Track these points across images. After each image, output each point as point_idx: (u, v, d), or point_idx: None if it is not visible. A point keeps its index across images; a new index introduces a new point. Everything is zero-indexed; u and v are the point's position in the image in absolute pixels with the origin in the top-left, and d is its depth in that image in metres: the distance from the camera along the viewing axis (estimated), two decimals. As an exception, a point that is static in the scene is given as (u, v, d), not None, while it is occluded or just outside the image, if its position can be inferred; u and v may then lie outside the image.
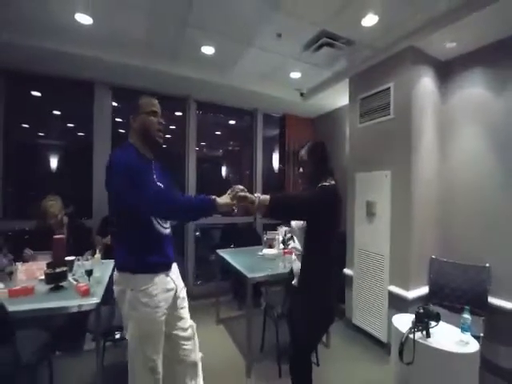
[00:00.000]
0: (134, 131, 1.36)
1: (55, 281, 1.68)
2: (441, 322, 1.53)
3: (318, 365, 2.18)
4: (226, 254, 2.69)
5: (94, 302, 1.51)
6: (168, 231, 1.41)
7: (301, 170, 1.60)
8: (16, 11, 2.01)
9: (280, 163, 4.43)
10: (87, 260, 1.80)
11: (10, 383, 1.41)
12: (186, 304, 1.51)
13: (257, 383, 2.04)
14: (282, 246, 2.73)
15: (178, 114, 3.66)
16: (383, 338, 2.42)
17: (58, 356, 2.18)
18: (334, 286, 1.53)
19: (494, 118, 2.16)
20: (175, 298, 1.40)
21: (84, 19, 2.11)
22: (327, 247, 1.49)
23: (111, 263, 1.42)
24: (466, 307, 1.50)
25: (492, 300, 2.06)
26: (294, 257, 1.64)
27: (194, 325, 1.53)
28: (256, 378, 2.08)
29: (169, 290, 1.34)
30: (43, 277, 1.72)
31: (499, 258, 2.08)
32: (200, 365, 1.53)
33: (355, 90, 2.88)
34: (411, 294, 2.25)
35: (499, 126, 2.13)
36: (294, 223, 1.61)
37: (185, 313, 1.49)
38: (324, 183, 1.48)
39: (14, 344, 1.41)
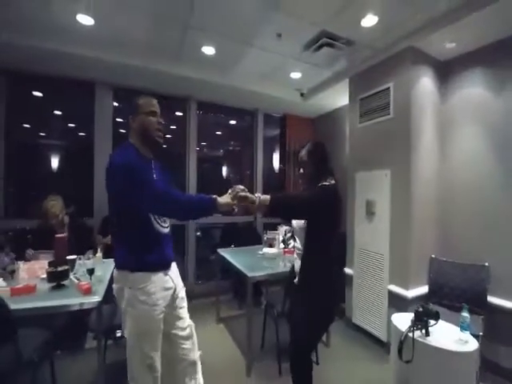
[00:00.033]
0: (134, 131, 1.37)
1: (57, 279, 1.69)
2: (440, 321, 1.54)
3: (317, 364, 2.19)
4: (226, 254, 2.70)
5: (96, 300, 1.52)
6: (167, 230, 1.42)
7: (301, 170, 1.61)
8: (16, 11, 2.02)
9: (280, 163, 4.44)
10: (89, 259, 1.81)
11: (13, 381, 1.43)
12: (184, 304, 1.51)
13: (257, 382, 2.05)
14: (282, 245, 2.74)
15: (179, 114, 3.67)
16: (383, 337, 2.43)
17: (60, 355, 2.19)
18: (334, 286, 1.54)
19: (494, 118, 2.16)
20: (174, 297, 1.41)
21: (85, 20, 2.12)
22: (327, 247, 1.50)
23: (112, 262, 1.43)
24: (465, 306, 1.51)
25: (491, 299, 2.07)
26: (295, 256, 1.65)
27: (193, 324, 1.54)
28: (256, 376, 2.09)
29: (167, 289, 1.35)
30: (45, 275, 1.73)
31: (498, 257, 2.09)
32: (199, 363, 1.54)
33: (355, 90, 2.89)
34: (411, 293, 2.26)
35: (499, 125, 2.14)
36: (295, 223, 1.62)
37: (184, 312, 1.49)
38: (324, 183, 1.49)
39: (16, 342, 1.42)
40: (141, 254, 1.29)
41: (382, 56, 2.52)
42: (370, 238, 2.62)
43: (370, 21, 2.11)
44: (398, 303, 2.31)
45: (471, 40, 2.18)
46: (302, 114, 4.20)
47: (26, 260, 2.00)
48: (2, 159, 2.78)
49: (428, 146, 2.41)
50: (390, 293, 2.39)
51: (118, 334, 2.16)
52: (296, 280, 1.56)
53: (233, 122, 4.33)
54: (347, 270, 2.88)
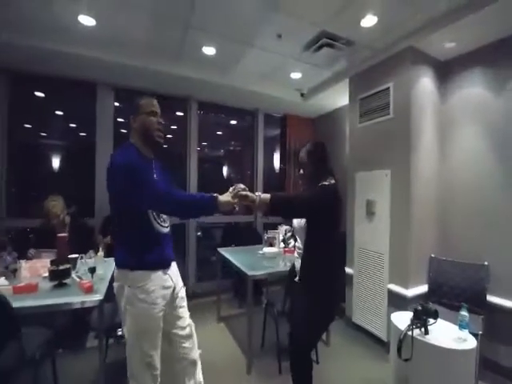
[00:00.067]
0: (135, 131, 1.39)
1: (59, 278, 1.70)
2: (439, 320, 1.55)
3: (317, 362, 2.20)
4: (226, 253, 2.71)
5: (97, 298, 1.53)
6: (167, 230, 1.44)
7: (301, 171, 1.62)
8: (17, 11, 2.03)
9: (281, 163, 4.45)
10: (90, 258, 1.82)
11: (16, 378, 1.44)
12: (184, 303, 1.52)
13: (257, 380, 2.06)
14: (282, 244, 2.75)
15: (180, 114, 3.69)
16: (383, 336, 2.43)
17: (61, 353, 2.20)
18: (334, 286, 1.55)
19: (494, 118, 2.17)
20: (173, 296, 1.42)
21: (87, 21, 2.14)
22: (327, 246, 1.50)
23: (113, 261, 1.44)
24: (464, 304, 1.52)
25: (491, 298, 2.07)
26: (296, 255, 1.66)
27: (193, 324, 1.55)
28: (256, 374, 2.11)
29: (166, 288, 1.36)
30: (47, 274, 1.75)
31: (498, 256, 2.09)
32: (199, 362, 1.54)
33: (355, 90, 2.90)
34: (410, 292, 2.27)
35: (498, 125, 2.14)
36: (295, 222, 1.63)
37: (183, 312, 1.50)
38: (324, 183, 1.50)
39: (19, 340, 1.43)
40: (141, 253, 1.30)
41: (381, 56, 2.52)
42: (370, 238, 2.63)
43: (369, 21, 2.12)
44: (397, 302, 2.31)
45: (471, 40, 2.19)
46: (302, 114, 4.21)
47: (28, 259, 2.01)
48: (4, 159, 2.79)
49: (428, 145, 2.42)
50: (390, 292, 2.40)
51: (119, 333, 2.17)
52: (297, 278, 1.57)
53: (233, 122, 4.34)
54: (347, 270, 2.88)
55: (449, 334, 1.51)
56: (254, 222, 4.07)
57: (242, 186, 1.35)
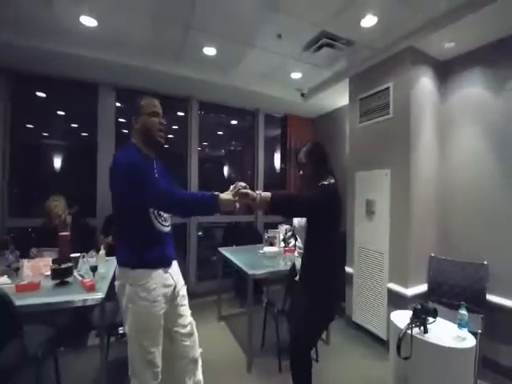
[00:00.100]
0: (136, 131, 1.40)
1: (61, 276, 1.72)
2: (438, 319, 1.56)
3: (317, 361, 2.21)
4: (227, 252, 2.73)
5: (99, 297, 1.54)
6: (168, 229, 1.45)
7: (300, 172, 1.63)
8: (17, 11, 2.05)
9: (282, 163, 4.46)
10: (92, 257, 1.84)
11: (18, 375, 1.46)
12: (185, 302, 1.53)
13: (257, 378, 2.07)
14: (282, 244, 2.75)
15: (181, 114, 3.70)
16: (383, 335, 2.44)
17: (63, 351, 2.22)
18: (334, 285, 1.55)
19: (493, 118, 2.17)
20: (175, 294, 1.43)
21: (89, 21, 2.16)
22: (327, 246, 1.51)
23: (115, 260, 1.46)
24: (463, 303, 1.53)
25: (490, 297, 2.08)
26: (296, 254, 1.67)
27: (194, 322, 1.56)
28: (257, 372, 2.12)
29: (167, 286, 1.37)
30: (49, 273, 1.76)
31: (497, 256, 2.10)
32: (200, 361, 1.56)
33: (355, 90, 2.91)
34: (410, 291, 2.27)
35: (498, 125, 2.14)
36: (296, 222, 1.63)
37: (185, 310, 1.51)
38: (324, 182, 1.50)
39: (21, 338, 1.45)
40: (142, 252, 1.31)
41: (381, 56, 2.53)
42: (370, 237, 2.63)
43: (369, 21, 2.13)
44: (397, 301, 2.32)
45: (470, 40, 2.19)
46: (302, 114, 4.22)
47: (30, 258, 2.03)
48: (6, 160, 2.81)
49: (428, 145, 2.42)
50: (390, 291, 2.40)
51: (121, 331, 2.18)
52: (297, 277, 1.58)
53: (234, 122, 4.35)
54: (347, 269, 2.89)
55: (448, 333, 1.51)
56: (254, 221, 4.08)
57: (242, 184, 1.35)
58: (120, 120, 3.27)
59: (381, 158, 2.55)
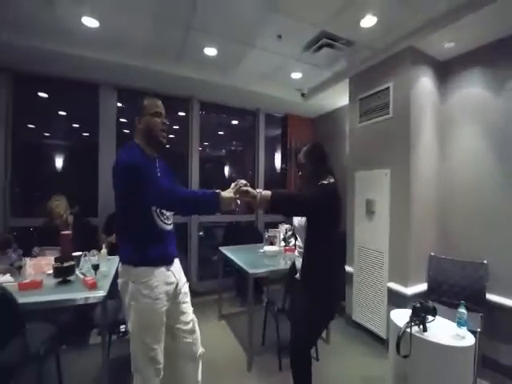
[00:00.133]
0: (139, 132, 1.41)
1: (63, 275, 1.73)
2: (438, 317, 1.56)
3: (317, 360, 2.22)
4: (228, 251, 2.74)
5: (101, 295, 1.56)
6: (170, 227, 1.46)
7: (300, 173, 1.64)
8: (17, 11, 2.06)
9: (282, 163, 4.47)
10: (94, 255, 1.85)
11: (20, 373, 1.47)
12: (187, 299, 1.55)
13: (258, 376, 2.08)
14: (283, 243, 2.77)
15: (182, 114, 3.72)
16: (383, 334, 2.45)
17: (65, 349, 2.23)
18: (334, 284, 1.56)
19: (493, 118, 2.18)
20: (177, 292, 1.45)
21: (90, 22, 2.17)
22: (328, 245, 1.52)
23: (117, 259, 1.47)
24: (462, 302, 1.54)
25: (490, 296, 2.08)
26: (296, 254, 1.68)
27: (196, 319, 1.57)
28: (257, 371, 2.13)
29: (169, 283, 1.39)
30: (51, 271, 1.78)
31: (497, 255, 2.10)
32: (200, 362, 1.56)
33: (355, 90, 2.91)
34: (410, 290, 2.28)
35: (498, 125, 2.15)
36: (296, 221, 1.64)
37: (187, 307, 1.53)
38: (323, 181, 1.51)
39: (24, 336, 1.46)
40: (144, 250, 1.33)
41: (381, 56, 2.54)
42: (370, 237, 2.64)
43: (369, 21, 2.14)
44: (397, 300, 2.33)
45: (470, 40, 2.20)
46: (302, 113, 4.23)
47: (33, 257, 2.04)
48: (8, 160, 2.83)
49: (427, 145, 2.43)
50: (390, 290, 2.41)
51: (122, 329, 2.19)
52: (297, 276, 1.59)
53: (235, 122, 4.36)
54: (347, 268, 2.90)
55: (447, 331, 1.52)
56: (255, 221, 4.09)
57: (243, 181, 1.36)
58: (121, 120, 3.28)
59: (381, 158, 2.56)
